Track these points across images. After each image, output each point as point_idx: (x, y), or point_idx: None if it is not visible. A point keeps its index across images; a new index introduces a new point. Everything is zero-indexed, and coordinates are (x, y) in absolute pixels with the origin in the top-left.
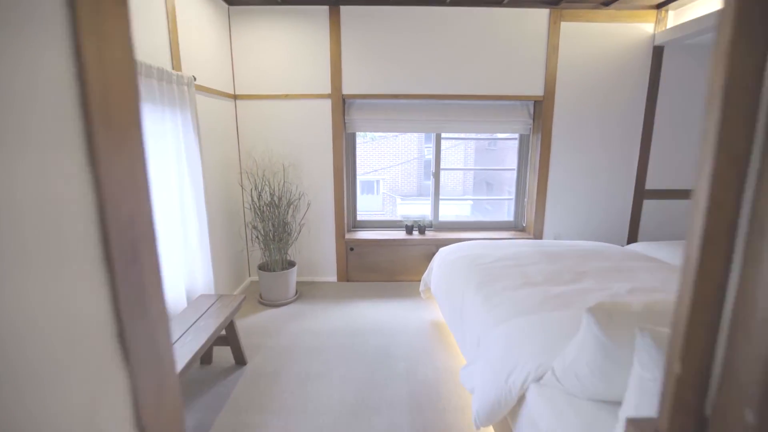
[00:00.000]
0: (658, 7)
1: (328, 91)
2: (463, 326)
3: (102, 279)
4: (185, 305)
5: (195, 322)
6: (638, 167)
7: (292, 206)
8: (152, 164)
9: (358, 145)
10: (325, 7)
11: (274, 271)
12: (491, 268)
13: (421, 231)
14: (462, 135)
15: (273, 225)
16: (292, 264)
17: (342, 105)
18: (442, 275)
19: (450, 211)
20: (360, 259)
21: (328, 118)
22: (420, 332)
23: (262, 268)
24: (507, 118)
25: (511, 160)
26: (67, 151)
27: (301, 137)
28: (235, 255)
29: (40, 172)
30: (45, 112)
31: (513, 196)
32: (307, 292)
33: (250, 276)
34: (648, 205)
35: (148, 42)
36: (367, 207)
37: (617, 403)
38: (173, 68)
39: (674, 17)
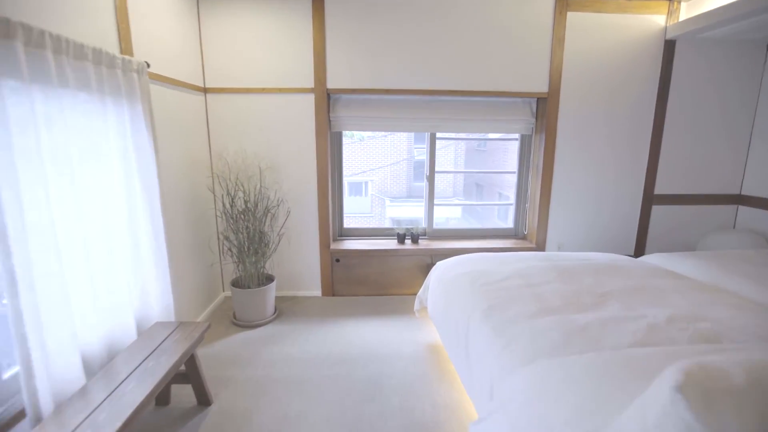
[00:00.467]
0: None
1: (311, 84)
2: (469, 363)
3: None
4: (135, 337)
5: (145, 359)
6: (647, 170)
7: (269, 214)
8: (73, 166)
9: (344, 146)
10: None
11: (249, 287)
12: (498, 288)
13: (414, 239)
14: (461, 135)
15: (248, 235)
16: (270, 279)
17: (327, 101)
18: (441, 295)
19: (440, 214)
20: (347, 271)
21: (310, 115)
22: (415, 358)
23: (236, 284)
24: (508, 117)
25: (502, 162)
26: None
27: (280, 136)
28: (204, 270)
29: None
30: None
31: (513, 201)
32: (287, 309)
33: (224, 291)
34: (657, 211)
35: (85, 18)
36: (355, 209)
37: None
38: (122, 52)
39: (687, 9)
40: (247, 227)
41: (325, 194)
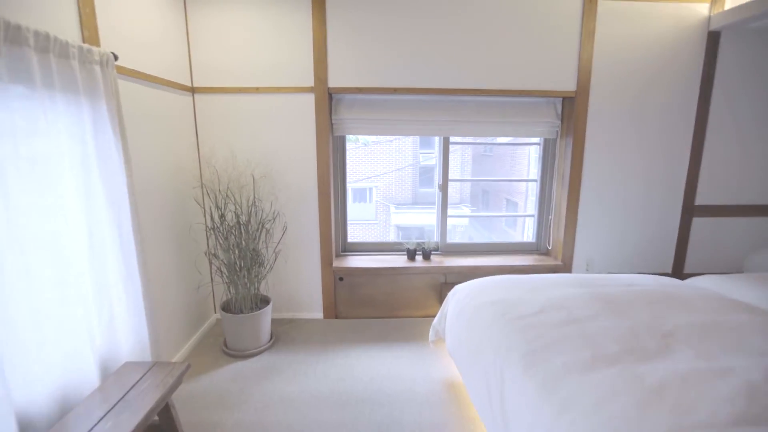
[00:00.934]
0: None
1: (311, 83)
2: (506, 424)
3: None
4: (97, 383)
5: (103, 417)
6: (687, 177)
7: (264, 229)
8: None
9: (348, 151)
10: None
11: (241, 311)
12: (535, 325)
13: (426, 255)
14: (477, 139)
15: (239, 253)
16: (265, 301)
17: (328, 101)
18: (464, 329)
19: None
20: (351, 291)
21: (310, 117)
22: (431, 400)
23: (227, 308)
24: (529, 119)
25: (510, 167)
26: None
27: (276, 141)
28: (189, 293)
29: None
30: None
31: (534, 213)
32: (285, 334)
33: (216, 313)
34: (698, 223)
35: None
36: (359, 216)
37: None
38: (85, 41)
39: None
40: (238, 244)
41: (327, 206)
